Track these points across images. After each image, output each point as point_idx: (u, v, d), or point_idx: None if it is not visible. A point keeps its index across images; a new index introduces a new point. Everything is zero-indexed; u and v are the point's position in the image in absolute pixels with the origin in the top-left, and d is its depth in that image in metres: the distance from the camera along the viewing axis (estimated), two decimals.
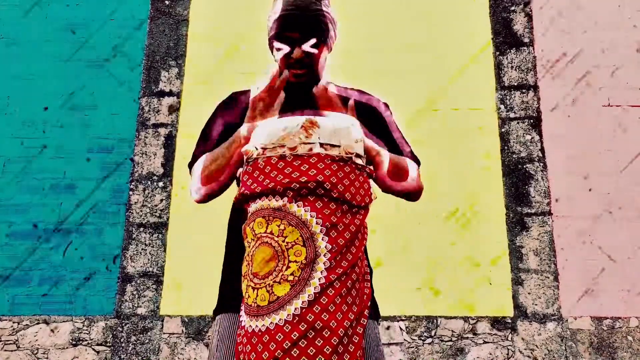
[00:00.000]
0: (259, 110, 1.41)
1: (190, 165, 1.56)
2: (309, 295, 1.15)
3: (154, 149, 3.84)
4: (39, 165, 3.83)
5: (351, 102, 1.45)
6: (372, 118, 1.60)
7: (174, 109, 3.91)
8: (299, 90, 1.56)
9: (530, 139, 3.80)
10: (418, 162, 1.63)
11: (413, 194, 1.59)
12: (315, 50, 1.53)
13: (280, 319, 1.14)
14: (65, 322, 3.54)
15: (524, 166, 3.75)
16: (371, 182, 1.39)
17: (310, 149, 1.25)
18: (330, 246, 1.19)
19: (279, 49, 1.55)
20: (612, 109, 3.84)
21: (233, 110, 1.60)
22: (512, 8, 4.08)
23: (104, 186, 3.79)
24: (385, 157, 1.45)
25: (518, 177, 3.73)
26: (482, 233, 3.63)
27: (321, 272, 1.17)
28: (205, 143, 1.58)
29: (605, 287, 3.53)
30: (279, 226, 1.21)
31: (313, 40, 1.52)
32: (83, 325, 3.53)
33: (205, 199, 1.51)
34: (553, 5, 4.07)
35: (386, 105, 1.69)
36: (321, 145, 1.26)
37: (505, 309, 3.50)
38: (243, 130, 1.41)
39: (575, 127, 3.82)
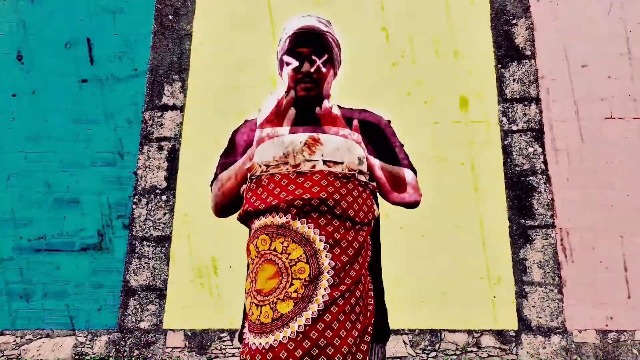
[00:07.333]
0: (266, 133, 1.42)
1: (212, 183, 1.61)
2: (312, 312, 1.15)
3: (157, 163, 3.85)
4: (43, 179, 3.84)
5: (355, 121, 1.46)
6: (374, 133, 1.64)
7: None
8: (304, 107, 1.58)
9: (533, 152, 3.79)
10: (415, 172, 1.65)
11: (412, 204, 1.60)
12: (323, 68, 1.57)
13: (283, 337, 1.13)
14: (68, 336, 3.53)
15: (527, 179, 3.75)
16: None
17: (314, 166, 1.26)
18: (334, 263, 1.19)
19: (288, 64, 1.59)
20: (615, 121, 3.84)
21: (248, 132, 1.63)
22: (514, 21, 4.09)
23: (107, 200, 3.79)
24: (379, 171, 1.47)
25: (521, 190, 3.72)
26: (486, 246, 3.62)
27: (325, 289, 1.17)
28: (224, 163, 1.63)
29: (610, 300, 3.51)
30: (282, 243, 1.21)
31: (323, 57, 1.58)
32: (86, 340, 3.52)
33: (222, 214, 1.58)
34: (555, 18, 4.09)
35: (388, 121, 1.72)
36: (324, 162, 1.26)
37: (509, 322, 3.48)
38: (252, 150, 1.43)
39: (577, 139, 3.82)
